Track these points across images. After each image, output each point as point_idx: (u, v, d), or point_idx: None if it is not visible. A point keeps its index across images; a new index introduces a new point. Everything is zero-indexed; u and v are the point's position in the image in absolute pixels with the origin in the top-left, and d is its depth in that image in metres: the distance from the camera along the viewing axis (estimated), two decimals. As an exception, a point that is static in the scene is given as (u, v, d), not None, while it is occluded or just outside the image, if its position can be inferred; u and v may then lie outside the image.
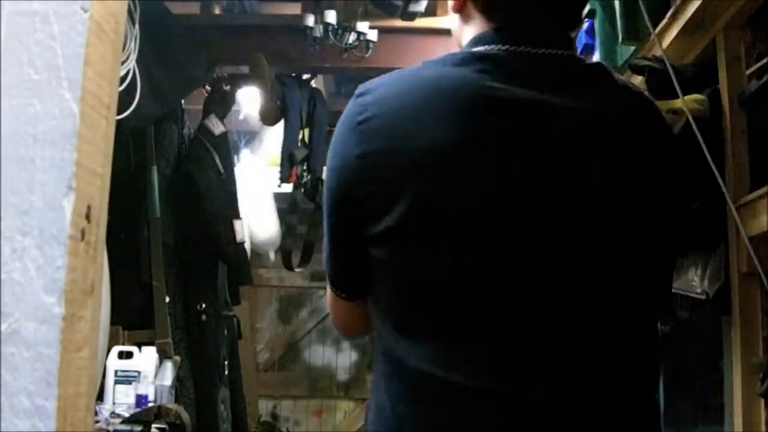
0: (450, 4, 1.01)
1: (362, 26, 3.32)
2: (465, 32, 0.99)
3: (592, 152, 0.89)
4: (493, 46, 0.92)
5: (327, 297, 1.08)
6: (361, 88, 0.94)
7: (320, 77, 4.29)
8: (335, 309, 1.07)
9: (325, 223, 0.98)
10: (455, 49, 1.00)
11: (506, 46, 0.92)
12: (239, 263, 3.55)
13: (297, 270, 4.00)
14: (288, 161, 3.71)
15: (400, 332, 0.89)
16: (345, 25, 3.33)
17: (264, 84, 3.49)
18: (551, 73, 0.92)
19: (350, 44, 3.35)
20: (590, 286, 0.88)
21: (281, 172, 3.73)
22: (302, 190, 3.78)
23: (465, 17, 1.00)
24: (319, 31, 3.29)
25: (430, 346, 0.87)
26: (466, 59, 0.91)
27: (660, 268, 0.96)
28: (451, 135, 0.85)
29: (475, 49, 0.93)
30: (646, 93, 1.01)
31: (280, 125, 3.80)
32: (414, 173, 0.85)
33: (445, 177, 0.85)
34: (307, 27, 3.29)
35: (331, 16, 3.26)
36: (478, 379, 0.85)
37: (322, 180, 3.68)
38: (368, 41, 3.37)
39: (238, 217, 3.48)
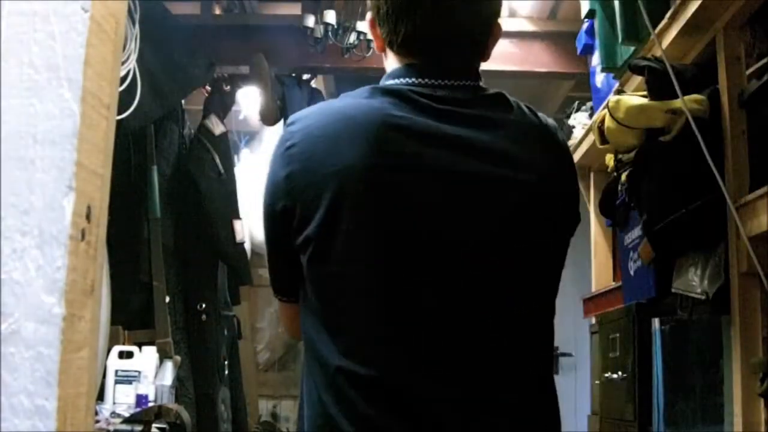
0: (375, 44, 1.16)
1: (362, 26, 3.32)
2: (387, 67, 1.13)
3: (483, 176, 1.02)
4: (401, 80, 1.07)
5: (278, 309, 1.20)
6: (290, 119, 1.09)
7: (320, 77, 4.28)
8: (282, 315, 1.20)
9: (263, 235, 1.11)
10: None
11: (413, 80, 1.06)
12: (239, 263, 3.54)
13: None
14: None
15: (322, 329, 1.01)
16: (346, 25, 3.33)
17: (264, 84, 3.49)
18: (450, 103, 1.05)
19: (351, 44, 3.35)
20: (486, 291, 1.02)
21: None
22: None
23: (386, 55, 1.14)
24: (319, 32, 3.29)
25: (345, 343, 0.99)
26: (376, 92, 1.06)
27: (551, 275, 1.09)
28: (359, 158, 0.99)
29: (386, 83, 1.09)
30: (543, 118, 1.11)
31: (280, 125, 3.80)
32: (327, 190, 0.99)
33: (353, 193, 0.99)
34: (307, 28, 3.29)
35: (330, 17, 3.26)
36: (391, 373, 0.97)
37: None
38: (369, 41, 3.37)
39: (238, 217, 3.48)
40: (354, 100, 1.06)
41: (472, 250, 1.00)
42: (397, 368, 0.97)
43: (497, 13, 1.13)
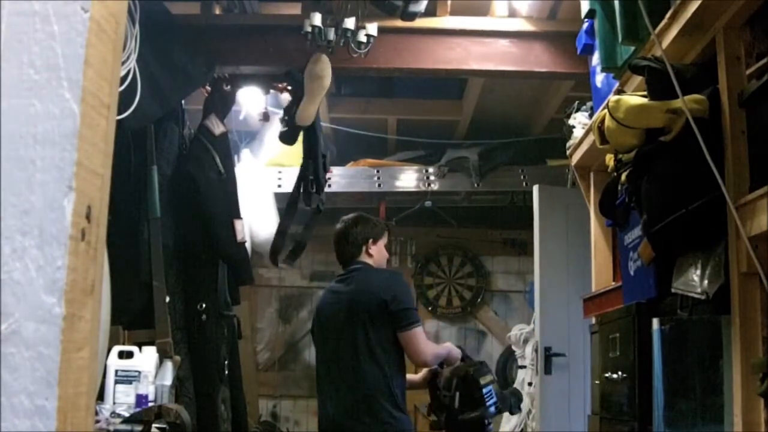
0: None
1: (350, 23, 3.31)
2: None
3: (352, 297, 2.88)
4: (342, 272, 3.05)
5: None
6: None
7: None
8: None
9: None
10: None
11: (343, 272, 3.04)
12: (241, 263, 3.54)
13: (281, 265, 4.04)
14: (323, 169, 3.75)
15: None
16: (344, 27, 3.32)
17: (319, 86, 3.48)
18: (350, 277, 2.96)
19: (356, 40, 3.34)
20: (359, 359, 2.81)
21: (317, 182, 3.75)
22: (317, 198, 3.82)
23: None
24: (323, 36, 3.28)
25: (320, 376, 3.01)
26: (335, 278, 3.13)
27: (388, 335, 2.84)
28: (320, 303, 3.10)
29: (338, 274, 3.11)
30: (381, 272, 3.02)
31: (277, 126, 3.81)
32: (314, 317, 3.13)
33: (318, 317, 3.06)
34: (307, 33, 3.28)
35: (317, 19, 3.25)
36: (330, 392, 2.89)
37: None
38: (369, 36, 3.35)
39: (238, 216, 3.48)
40: (331, 283, 3.17)
41: (347, 327, 2.83)
42: (332, 391, 2.87)
43: (368, 237, 2.99)
